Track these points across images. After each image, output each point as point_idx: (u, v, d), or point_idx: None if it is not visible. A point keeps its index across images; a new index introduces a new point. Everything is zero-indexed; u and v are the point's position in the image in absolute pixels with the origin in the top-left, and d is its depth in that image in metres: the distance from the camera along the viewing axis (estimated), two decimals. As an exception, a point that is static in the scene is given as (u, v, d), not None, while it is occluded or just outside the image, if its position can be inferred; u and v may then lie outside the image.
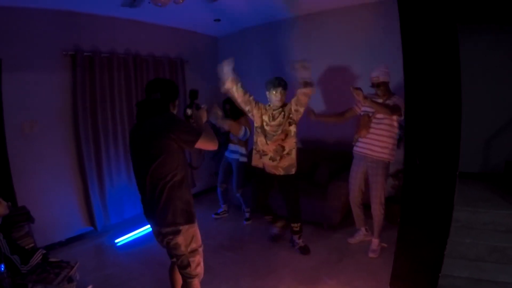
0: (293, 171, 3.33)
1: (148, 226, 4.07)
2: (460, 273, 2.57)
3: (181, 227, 1.99)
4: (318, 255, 3.46)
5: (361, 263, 3.26)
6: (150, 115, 2.00)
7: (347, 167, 4.14)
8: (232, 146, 4.25)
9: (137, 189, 2.13)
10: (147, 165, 1.96)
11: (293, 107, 3.18)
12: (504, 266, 2.61)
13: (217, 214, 4.62)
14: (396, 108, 3.03)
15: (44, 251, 2.56)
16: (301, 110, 3.19)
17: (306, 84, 3.04)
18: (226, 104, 4.09)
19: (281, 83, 3.19)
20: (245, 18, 4.77)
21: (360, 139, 3.37)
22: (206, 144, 2.07)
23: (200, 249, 2.15)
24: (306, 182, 4.27)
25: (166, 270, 2.42)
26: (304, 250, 3.51)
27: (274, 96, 3.18)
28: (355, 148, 3.46)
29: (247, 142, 4.23)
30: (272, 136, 3.23)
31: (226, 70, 3.09)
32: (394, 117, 3.13)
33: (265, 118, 3.26)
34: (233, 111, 3.98)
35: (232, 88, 3.15)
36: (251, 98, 3.26)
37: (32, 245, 2.72)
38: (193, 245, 2.08)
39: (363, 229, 3.67)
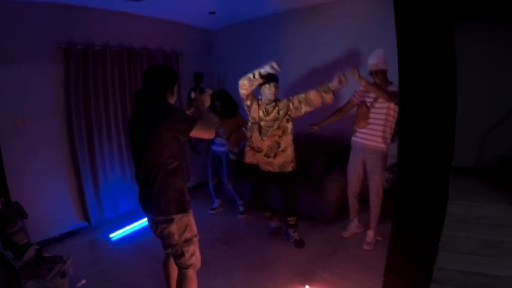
0: (289, 168, 3.29)
1: (143, 220, 4.14)
2: (454, 266, 2.58)
3: (174, 216, 1.98)
4: (313, 248, 3.47)
5: (356, 256, 3.27)
6: (146, 104, 1.98)
7: (342, 161, 4.16)
8: (219, 140, 4.16)
9: (131, 183, 2.12)
10: (141, 154, 1.96)
11: (294, 104, 3.14)
12: (497, 260, 2.62)
13: (213, 209, 4.60)
14: (394, 94, 2.96)
15: (38, 247, 2.55)
16: (307, 109, 3.13)
17: (331, 91, 3.03)
18: (216, 101, 3.92)
19: (275, 77, 3.14)
20: (240, 11, 4.72)
21: (358, 130, 3.35)
22: (202, 133, 2.04)
23: (195, 239, 2.14)
24: (301, 176, 4.25)
25: (161, 264, 2.41)
26: (299, 244, 3.52)
27: (268, 90, 3.13)
28: (353, 139, 3.43)
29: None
30: (267, 131, 3.19)
31: (268, 70, 2.93)
32: (392, 106, 3.10)
33: (260, 113, 3.23)
34: (224, 109, 3.91)
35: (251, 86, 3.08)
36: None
37: (26, 240, 2.70)
38: (187, 235, 2.06)
39: (355, 220, 3.67)
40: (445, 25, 1.49)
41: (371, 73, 3.19)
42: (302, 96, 3.12)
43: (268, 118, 3.18)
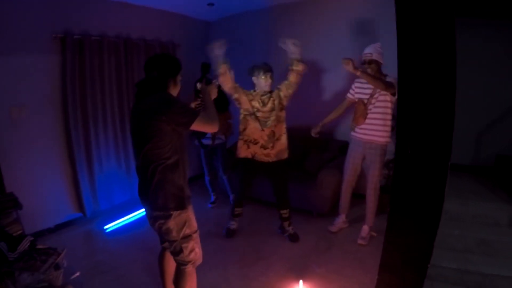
0: (285, 155, 3.35)
1: (138, 212, 4.12)
2: (449, 264, 2.60)
3: (172, 212, 1.94)
4: (307, 243, 3.48)
5: (350, 251, 3.29)
6: (147, 94, 1.94)
7: (337, 156, 4.16)
8: (210, 133, 4.05)
9: (126, 174, 2.09)
10: (140, 146, 1.92)
11: (283, 92, 3.19)
12: (491, 259, 2.64)
13: (212, 203, 4.59)
14: (390, 84, 2.94)
15: (32, 238, 2.53)
16: (291, 92, 3.20)
17: (298, 61, 3.06)
18: None
19: (270, 68, 3.18)
20: (239, 3, 4.67)
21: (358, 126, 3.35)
22: (204, 126, 1.99)
23: (195, 235, 2.09)
24: (296, 170, 4.27)
25: (156, 257, 2.39)
26: (294, 238, 3.52)
27: (264, 81, 3.15)
28: (353, 134, 3.43)
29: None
30: (265, 122, 3.21)
31: (218, 52, 2.99)
32: (388, 98, 3.09)
33: (255, 104, 3.21)
34: (217, 104, 3.87)
35: (225, 73, 3.06)
36: (237, 84, 3.20)
37: (20, 232, 2.68)
38: (187, 231, 2.02)
39: (343, 215, 3.69)
40: (447, 23, 1.48)
41: (364, 62, 3.18)
42: (285, 82, 3.19)
43: (265, 109, 3.21)
